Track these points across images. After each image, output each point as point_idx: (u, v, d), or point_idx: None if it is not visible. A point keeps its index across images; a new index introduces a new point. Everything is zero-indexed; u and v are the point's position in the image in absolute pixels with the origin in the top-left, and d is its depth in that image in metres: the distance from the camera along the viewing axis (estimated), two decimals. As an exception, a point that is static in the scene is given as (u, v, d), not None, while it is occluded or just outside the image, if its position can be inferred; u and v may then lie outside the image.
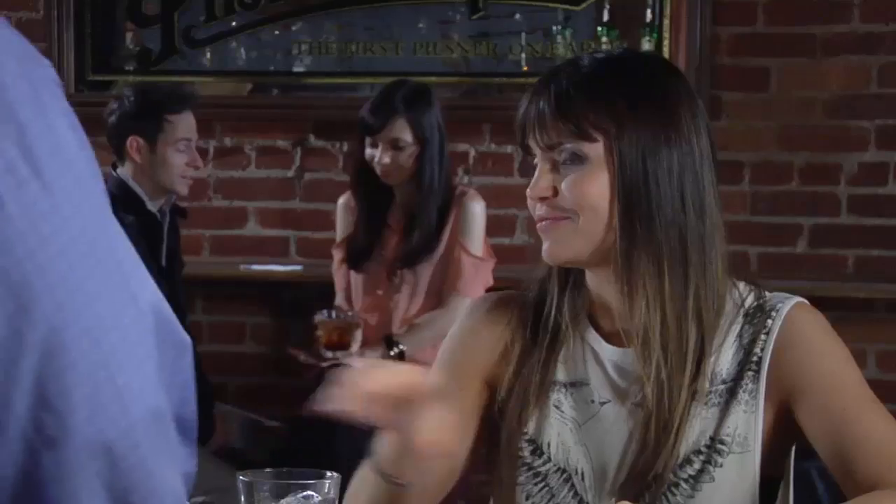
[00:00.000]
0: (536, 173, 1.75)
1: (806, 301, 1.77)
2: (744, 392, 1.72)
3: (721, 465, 1.70)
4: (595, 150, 1.71)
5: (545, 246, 1.75)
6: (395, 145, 3.90)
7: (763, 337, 1.72)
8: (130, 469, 0.94)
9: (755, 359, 1.72)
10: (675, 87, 1.76)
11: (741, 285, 1.77)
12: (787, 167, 4.64)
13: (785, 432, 1.72)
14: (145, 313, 0.98)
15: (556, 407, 1.78)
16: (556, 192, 1.73)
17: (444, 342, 1.87)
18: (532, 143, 1.75)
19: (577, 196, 1.71)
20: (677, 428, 1.69)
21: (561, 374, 1.79)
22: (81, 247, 0.94)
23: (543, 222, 1.75)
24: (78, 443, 0.92)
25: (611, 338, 1.78)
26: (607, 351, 1.77)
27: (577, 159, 1.71)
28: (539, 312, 1.81)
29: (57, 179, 0.93)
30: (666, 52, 4.62)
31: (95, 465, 0.93)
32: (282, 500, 1.41)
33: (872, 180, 4.59)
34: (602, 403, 1.77)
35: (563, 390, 1.78)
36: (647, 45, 4.66)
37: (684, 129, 1.72)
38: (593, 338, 1.79)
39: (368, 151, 3.94)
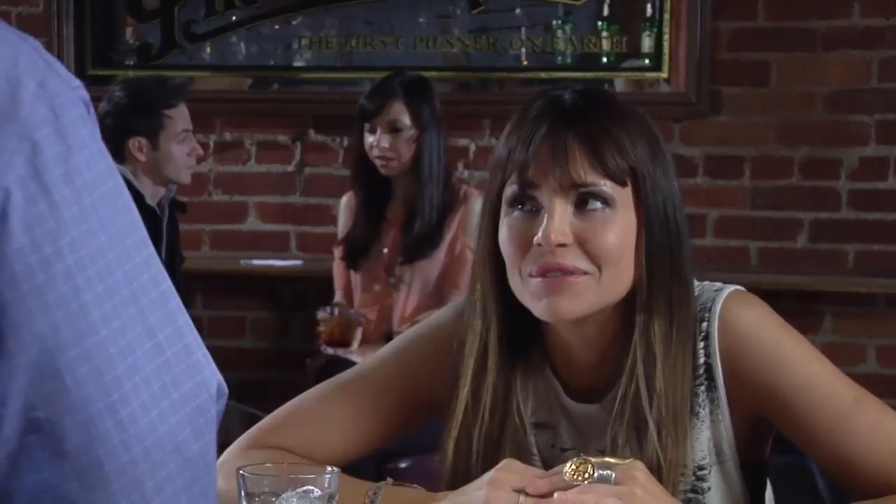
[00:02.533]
0: (549, 214, 1.54)
1: (739, 288, 1.64)
2: (703, 408, 1.61)
3: (709, 490, 1.62)
4: (623, 194, 1.56)
5: (549, 300, 1.55)
6: (393, 127, 3.91)
7: (702, 343, 1.60)
8: None
9: (702, 369, 1.60)
10: (656, 129, 1.63)
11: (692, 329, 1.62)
12: (788, 162, 4.63)
13: (762, 432, 1.65)
14: (164, 349, 0.96)
15: (528, 449, 1.67)
16: (573, 238, 1.55)
17: (409, 335, 1.77)
18: (546, 180, 1.55)
19: (604, 246, 1.54)
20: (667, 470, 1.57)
21: (529, 416, 1.67)
22: (90, 272, 0.92)
23: (555, 277, 1.54)
24: (67, 470, 0.91)
25: (572, 391, 1.66)
26: (571, 404, 1.66)
27: (605, 203, 1.55)
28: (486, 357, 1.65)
29: (68, 201, 0.92)
30: (666, 47, 4.62)
31: (88, 497, 0.91)
32: (282, 495, 1.41)
33: (873, 175, 4.59)
34: (563, 450, 1.67)
35: (534, 433, 1.68)
36: (647, 39, 4.66)
37: (672, 169, 1.62)
38: (556, 386, 1.67)
39: (368, 140, 3.95)
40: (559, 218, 1.54)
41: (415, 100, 3.95)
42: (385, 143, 3.91)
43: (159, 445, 0.93)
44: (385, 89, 3.98)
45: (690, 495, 1.63)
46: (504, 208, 1.60)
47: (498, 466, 1.52)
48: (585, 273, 1.55)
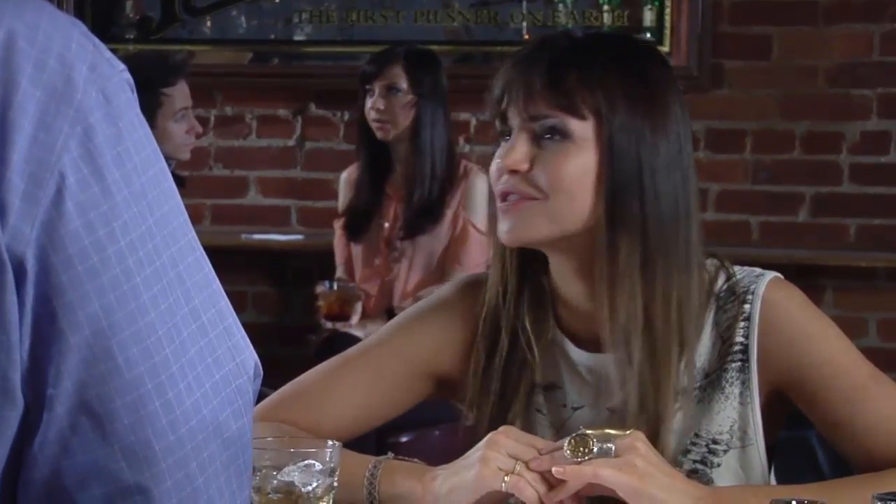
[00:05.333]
0: (511, 142, 1.63)
1: (779, 275, 1.69)
2: (731, 385, 1.65)
3: (718, 465, 1.65)
4: (583, 128, 1.61)
5: (505, 225, 1.63)
6: (390, 90, 3.93)
7: (743, 324, 1.64)
8: (178, 485, 0.94)
9: (738, 348, 1.64)
10: (669, 84, 1.67)
11: (708, 264, 1.68)
12: (789, 136, 4.63)
13: (778, 413, 1.68)
14: (207, 331, 0.97)
15: (538, 411, 1.71)
16: (530, 167, 1.62)
17: (413, 310, 1.80)
18: (513, 112, 1.64)
19: (555, 174, 1.61)
20: (660, 432, 1.60)
21: (537, 376, 1.70)
22: (140, 254, 0.93)
23: (507, 200, 1.63)
24: (117, 450, 0.92)
25: (581, 341, 1.69)
26: (579, 355, 1.69)
27: (561, 135, 1.61)
28: (499, 313, 1.71)
29: (120, 185, 0.93)
30: (668, 20, 4.61)
31: (136, 476, 0.92)
32: (283, 469, 1.41)
33: (874, 149, 4.58)
34: (575, 409, 1.70)
35: (541, 393, 1.71)
36: (648, 13, 4.64)
37: (675, 129, 1.64)
38: (562, 340, 1.70)
39: (368, 104, 3.97)
40: (517, 146, 1.63)
41: (415, 67, 3.96)
42: (380, 105, 3.94)
43: (203, 426, 0.95)
44: (387, 54, 4.03)
45: (699, 465, 1.65)
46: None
47: (497, 430, 1.55)
48: (533, 198, 1.62)
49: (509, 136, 1.65)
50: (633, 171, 1.61)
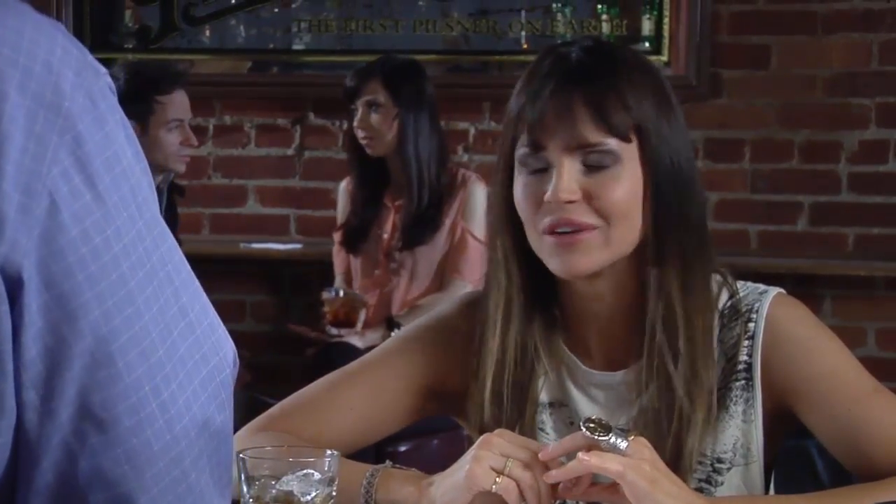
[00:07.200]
0: (557, 174, 1.60)
1: (782, 291, 1.69)
2: (735, 404, 1.64)
3: (722, 484, 1.65)
4: (629, 150, 1.60)
5: (563, 261, 1.60)
6: (370, 106, 3.94)
7: (747, 342, 1.64)
8: (174, 482, 0.95)
9: (742, 366, 1.64)
10: (668, 84, 1.69)
11: (711, 280, 1.68)
12: (788, 145, 4.63)
13: (779, 431, 1.68)
14: (194, 327, 0.98)
15: (541, 429, 1.71)
16: (583, 195, 1.60)
17: (415, 327, 1.79)
18: (554, 142, 1.60)
19: (613, 200, 1.59)
20: (682, 450, 1.60)
21: (543, 395, 1.71)
22: (133, 258, 0.94)
23: (566, 235, 1.60)
24: (119, 453, 0.93)
25: (590, 359, 1.70)
26: (588, 374, 1.70)
27: (612, 160, 1.60)
28: (506, 332, 1.69)
29: (110, 190, 0.94)
30: (666, 30, 4.61)
31: (138, 477, 0.93)
32: (282, 478, 1.41)
33: (873, 158, 4.58)
34: None
35: (545, 411, 1.72)
36: (647, 22, 4.65)
37: (680, 118, 1.66)
38: (569, 358, 1.71)
39: (354, 122, 3.99)
40: (567, 176, 1.59)
41: (394, 79, 3.97)
42: (364, 123, 3.95)
43: (194, 422, 0.96)
44: (364, 70, 4.04)
45: (703, 485, 1.65)
46: (517, 166, 1.65)
47: (491, 432, 1.54)
48: (594, 227, 1.60)
49: (536, 162, 1.62)
50: (669, 175, 1.62)
